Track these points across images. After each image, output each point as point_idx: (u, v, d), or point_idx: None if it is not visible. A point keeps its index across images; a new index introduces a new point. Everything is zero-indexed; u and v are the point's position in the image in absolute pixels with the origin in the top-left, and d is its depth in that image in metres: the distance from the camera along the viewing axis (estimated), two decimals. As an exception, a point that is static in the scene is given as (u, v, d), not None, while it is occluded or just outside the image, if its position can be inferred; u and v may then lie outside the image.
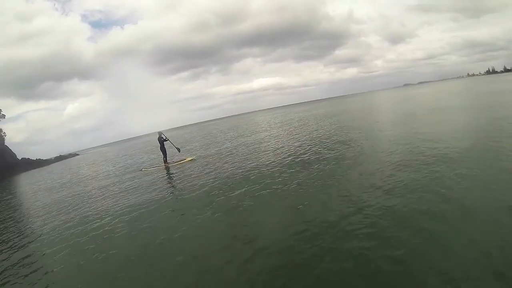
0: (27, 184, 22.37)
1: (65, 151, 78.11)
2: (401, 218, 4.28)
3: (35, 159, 52.75)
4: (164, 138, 13.96)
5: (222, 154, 14.30)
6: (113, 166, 20.21)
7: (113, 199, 9.22)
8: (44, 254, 5.70)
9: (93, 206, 8.86)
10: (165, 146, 14.04)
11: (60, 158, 62.04)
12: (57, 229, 7.19)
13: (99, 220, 7.14)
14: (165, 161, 13.98)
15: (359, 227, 4.25)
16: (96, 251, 5.28)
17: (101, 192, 10.96)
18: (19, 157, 50.35)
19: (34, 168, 45.80)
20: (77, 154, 73.61)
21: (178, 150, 14.83)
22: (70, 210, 8.97)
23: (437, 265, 3.13)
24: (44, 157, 59.16)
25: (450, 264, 3.11)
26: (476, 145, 7.58)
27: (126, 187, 10.75)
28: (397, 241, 3.71)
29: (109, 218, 7.17)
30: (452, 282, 2.86)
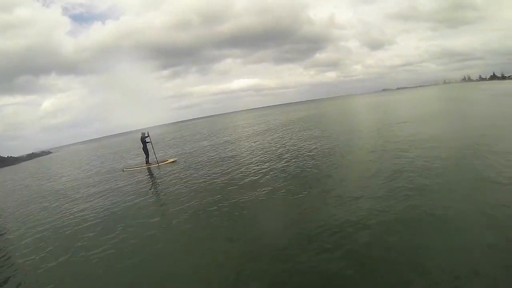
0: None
1: (41, 147, 74.80)
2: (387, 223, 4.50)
3: (6, 156, 50.27)
4: (148, 140, 13.96)
5: (202, 155, 14.47)
6: (91, 166, 19.78)
7: (91, 201, 9.10)
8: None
9: (68, 209, 8.68)
10: (147, 147, 14.03)
11: (32, 156, 59.45)
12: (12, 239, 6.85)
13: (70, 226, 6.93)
14: (147, 162, 13.98)
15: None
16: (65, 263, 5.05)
17: (81, 193, 10.84)
18: (-11, 154, 47.81)
19: (5, 166, 43.58)
20: (50, 152, 70.58)
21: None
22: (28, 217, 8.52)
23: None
24: (19, 153, 56.64)
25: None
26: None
27: (107, 188, 10.69)
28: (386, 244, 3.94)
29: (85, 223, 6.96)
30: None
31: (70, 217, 7.71)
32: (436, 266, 3.31)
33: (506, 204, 4.43)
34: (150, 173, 12.40)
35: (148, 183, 10.69)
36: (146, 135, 14.00)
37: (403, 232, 4.16)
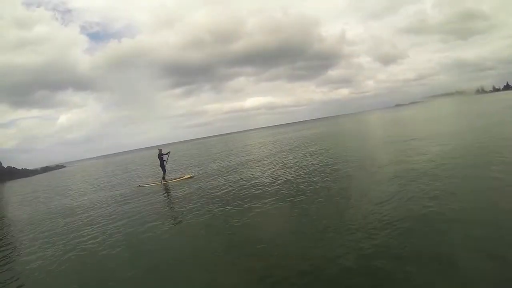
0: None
1: (55, 161, 76.57)
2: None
3: (20, 168, 51.39)
4: (164, 156, 13.93)
5: (219, 172, 14.28)
6: (108, 182, 19.82)
7: (109, 218, 8.86)
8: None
9: (86, 225, 8.48)
10: (164, 163, 13.96)
11: (46, 169, 60.59)
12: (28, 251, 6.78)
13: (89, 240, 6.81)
14: (164, 178, 13.85)
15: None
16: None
17: (95, 210, 10.71)
18: (5, 165, 49.02)
19: (19, 177, 44.47)
20: (64, 166, 71.84)
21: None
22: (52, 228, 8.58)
23: None
24: (33, 166, 57.90)
25: None
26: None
27: (124, 204, 10.50)
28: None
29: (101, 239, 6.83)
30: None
31: (87, 232, 7.53)
32: None
33: None
34: (166, 189, 12.22)
35: (164, 199, 10.54)
36: (165, 152, 14.02)
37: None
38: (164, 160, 13.91)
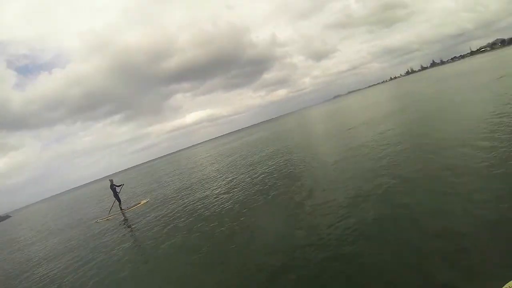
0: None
1: (0, 212, 67.72)
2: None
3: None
4: (116, 186, 14.19)
5: (171, 193, 14.77)
6: (60, 224, 18.99)
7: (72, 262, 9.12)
8: None
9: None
10: (117, 193, 14.22)
11: (-11, 223, 53.66)
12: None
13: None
14: (121, 208, 14.10)
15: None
16: None
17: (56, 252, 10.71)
18: None
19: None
20: (9, 216, 64.19)
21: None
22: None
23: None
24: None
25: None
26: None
27: (84, 242, 10.71)
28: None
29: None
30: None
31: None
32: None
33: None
34: (125, 219, 12.41)
35: (125, 229, 10.70)
36: (117, 184, 14.25)
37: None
38: (117, 192, 14.16)
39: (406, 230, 4.38)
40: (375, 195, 6.05)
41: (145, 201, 14.44)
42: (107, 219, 13.58)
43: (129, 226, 10.97)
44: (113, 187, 14.07)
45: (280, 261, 4.68)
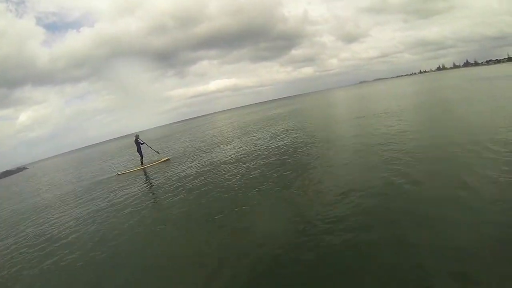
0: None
1: (18, 163, 71.49)
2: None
3: (-25, 176, 48.02)
4: (141, 141, 14.25)
5: (192, 153, 14.98)
6: (82, 174, 19.59)
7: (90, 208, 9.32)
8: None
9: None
10: (141, 148, 14.30)
11: (6, 173, 56.72)
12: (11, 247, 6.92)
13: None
14: (142, 163, 14.25)
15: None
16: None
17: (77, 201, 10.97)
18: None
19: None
20: (26, 168, 67.39)
21: (158, 152, 15.38)
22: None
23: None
24: (-5, 170, 54.10)
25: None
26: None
27: (104, 193, 10.94)
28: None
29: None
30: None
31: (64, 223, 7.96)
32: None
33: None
34: (146, 174, 12.60)
35: (145, 184, 10.78)
36: (139, 138, 14.32)
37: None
38: (142, 144, 14.28)
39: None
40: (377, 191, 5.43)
41: (165, 158, 14.55)
42: (129, 172, 13.81)
43: (147, 181, 11.16)
44: (137, 141, 14.12)
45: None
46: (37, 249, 6.34)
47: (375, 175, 6.16)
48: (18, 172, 58.55)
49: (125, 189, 10.39)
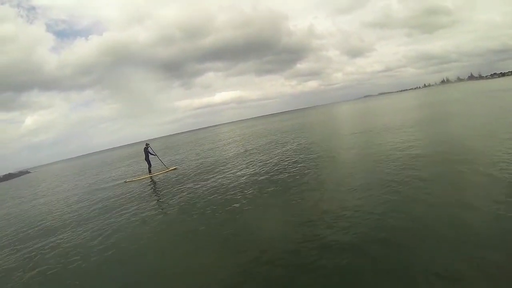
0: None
1: (20, 167, 72.03)
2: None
3: (-22, 178, 48.32)
4: (151, 151, 14.35)
5: (199, 163, 14.94)
6: (88, 181, 19.60)
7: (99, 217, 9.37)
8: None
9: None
10: (149, 157, 14.36)
11: (8, 176, 57.04)
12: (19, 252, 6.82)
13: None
14: (150, 171, 14.27)
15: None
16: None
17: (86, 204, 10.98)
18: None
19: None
20: (28, 172, 67.78)
21: (166, 167, 14.94)
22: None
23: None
24: (-2, 173, 54.42)
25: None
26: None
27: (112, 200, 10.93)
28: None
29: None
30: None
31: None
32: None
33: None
34: (153, 182, 12.63)
35: (152, 192, 10.86)
36: (150, 147, 14.43)
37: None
38: (152, 154, 14.35)
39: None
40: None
41: (173, 168, 14.54)
42: (136, 180, 13.84)
43: (154, 189, 11.22)
44: (146, 150, 14.20)
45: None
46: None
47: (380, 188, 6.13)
48: (20, 175, 58.78)
49: (131, 196, 10.42)
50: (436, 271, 3.24)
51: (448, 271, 3.22)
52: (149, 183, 12.50)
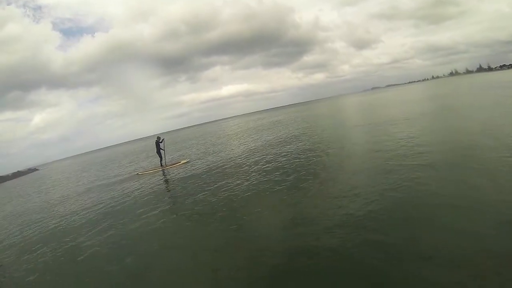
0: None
1: (29, 164, 72.90)
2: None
3: (-10, 175, 49.16)
4: (161, 146, 14.40)
5: (209, 157, 14.83)
6: (98, 175, 19.67)
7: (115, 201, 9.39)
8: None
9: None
10: (160, 150, 14.30)
11: (18, 174, 57.77)
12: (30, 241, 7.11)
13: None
14: (161, 164, 14.24)
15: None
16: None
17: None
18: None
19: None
20: (37, 169, 68.51)
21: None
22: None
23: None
24: (6, 171, 55.37)
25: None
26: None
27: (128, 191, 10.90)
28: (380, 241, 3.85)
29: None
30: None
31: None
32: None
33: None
34: (165, 175, 12.60)
35: (163, 184, 10.87)
36: (160, 140, 14.40)
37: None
38: (161, 149, 14.33)
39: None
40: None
41: (185, 161, 14.49)
42: (148, 172, 13.89)
43: (165, 181, 11.22)
44: (157, 143, 14.14)
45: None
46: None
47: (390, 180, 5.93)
48: (29, 173, 59.46)
49: (143, 188, 10.50)
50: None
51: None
52: (160, 176, 12.51)
